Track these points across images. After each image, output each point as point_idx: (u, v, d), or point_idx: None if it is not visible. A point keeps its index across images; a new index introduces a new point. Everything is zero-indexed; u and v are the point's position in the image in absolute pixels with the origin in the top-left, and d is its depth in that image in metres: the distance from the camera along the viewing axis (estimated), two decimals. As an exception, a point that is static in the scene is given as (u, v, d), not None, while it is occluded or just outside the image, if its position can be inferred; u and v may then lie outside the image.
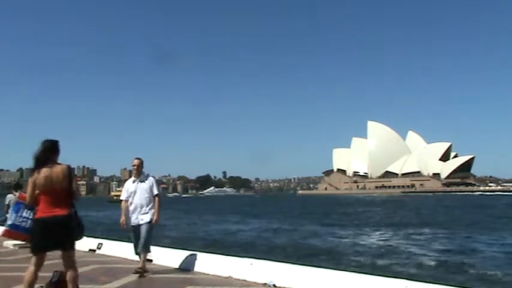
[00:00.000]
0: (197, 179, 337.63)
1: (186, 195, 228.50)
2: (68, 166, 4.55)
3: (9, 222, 5.77)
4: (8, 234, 7.31)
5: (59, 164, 4.52)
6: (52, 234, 4.34)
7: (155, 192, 6.80)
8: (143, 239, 6.64)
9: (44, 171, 4.40)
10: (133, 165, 6.92)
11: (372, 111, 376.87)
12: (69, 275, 4.43)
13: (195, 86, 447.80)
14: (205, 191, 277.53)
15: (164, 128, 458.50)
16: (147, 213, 6.69)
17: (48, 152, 4.51)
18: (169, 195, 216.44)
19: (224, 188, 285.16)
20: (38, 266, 4.38)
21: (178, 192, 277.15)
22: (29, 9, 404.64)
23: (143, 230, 6.62)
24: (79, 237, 4.66)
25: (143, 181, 6.81)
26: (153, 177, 6.98)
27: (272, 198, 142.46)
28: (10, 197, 10.40)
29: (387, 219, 37.37)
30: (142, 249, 6.67)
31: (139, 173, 6.91)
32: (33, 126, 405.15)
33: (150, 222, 6.68)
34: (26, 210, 4.58)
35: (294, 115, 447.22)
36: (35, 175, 4.43)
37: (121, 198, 7.08)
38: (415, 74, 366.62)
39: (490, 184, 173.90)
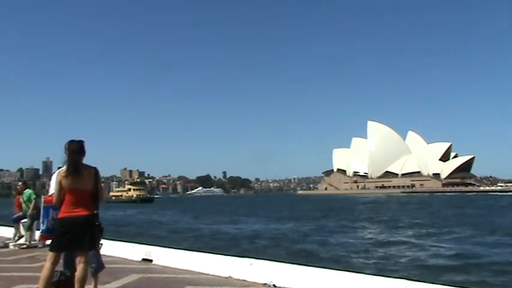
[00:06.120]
0: (197, 179, 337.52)
1: (157, 196, 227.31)
2: (95, 168, 4.62)
3: (43, 227, 5.97)
4: (43, 238, 7.59)
5: (85, 165, 4.56)
6: (72, 234, 4.38)
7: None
8: (92, 256, 4.85)
9: (70, 173, 4.44)
10: None
11: (372, 111, 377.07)
12: (79, 274, 4.44)
13: (195, 87, 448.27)
14: (193, 191, 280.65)
15: (164, 128, 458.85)
16: None
17: (76, 154, 4.52)
18: None
19: (212, 189, 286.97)
20: (55, 263, 4.44)
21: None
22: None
23: None
24: (98, 239, 4.68)
25: None
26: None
27: (270, 198, 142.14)
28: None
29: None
30: (100, 266, 5.09)
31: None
32: (32, 126, 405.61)
33: None
34: (55, 212, 4.66)
35: (294, 115, 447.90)
36: (61, 176, 4.47)
37: (50, 192, 5.46)
38: (415, 74, 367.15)
39: (499, 184, 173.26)
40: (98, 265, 5.09)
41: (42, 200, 7.43)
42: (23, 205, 10.58)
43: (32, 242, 10.24)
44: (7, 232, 12.03)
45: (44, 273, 4.37)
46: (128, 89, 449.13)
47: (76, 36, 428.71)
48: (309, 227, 30.11)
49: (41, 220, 6.34)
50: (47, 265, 4.41)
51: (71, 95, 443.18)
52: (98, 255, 5.11)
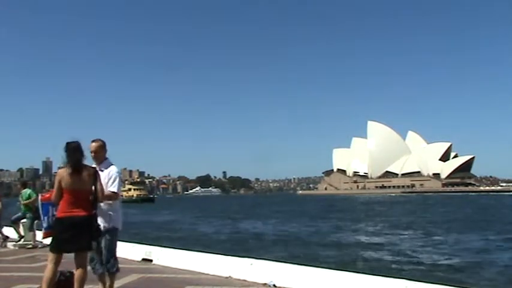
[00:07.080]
0: (197, 179, 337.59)
1: (156, 196, 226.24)
2: (94, 168, 4.66)
3: (45, 225, 6.07)
4: (47, 235, 7.69)
5: (84, 165, 4.57)
6: (71, 234, 4.37)
7: (112, 189, 4.80)
8: (106, 256, 4.86)
9: (70, 172, 4.44)
10: (92, 152, 4.87)
11: (372, 111, 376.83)
12: (78, 274, 4.44)
13: (195, 87, 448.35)
14: (191, 191, 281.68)
15: (164, 128, 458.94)
16: (107, 215, 4.81)
17: (77, 152, 4.52)
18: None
19: (210, 189, 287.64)
20: (57, 263, 4.42)
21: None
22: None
23: (103, 240, 4.76)
24: (96, 239, 4.66)
25: (102, 170, 4.84)
26: (115, 167, 4.98)
27: (270, 198, 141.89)
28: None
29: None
30: (110, 268, 4.91)
31: (100, 160, 4.92)
32: (32, 126, 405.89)
33: (112, 229, 4.86)
34: (54, 208, 4.70)
35: (294, 115, 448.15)
36: (61, 175, 4.47)
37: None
38: (415, 74, 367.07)
39: (500, 184, 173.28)
40: (112, 265, 4.94)
41: (40, 198, 7.44)
42: (21, 205, 10.57)
43: (36, 242, 10.25)
44: (7, 232, 12.01)
45: (47, 274, 4.35)
46: (128, 89, 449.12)
47: (76, 36, 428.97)
48: (309, 227, 30.12)
49: (41, 218, 6.39)
50: (49, 266, 4.39)
51: (71, 95, 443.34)
52: (110, 255, 4.95)
